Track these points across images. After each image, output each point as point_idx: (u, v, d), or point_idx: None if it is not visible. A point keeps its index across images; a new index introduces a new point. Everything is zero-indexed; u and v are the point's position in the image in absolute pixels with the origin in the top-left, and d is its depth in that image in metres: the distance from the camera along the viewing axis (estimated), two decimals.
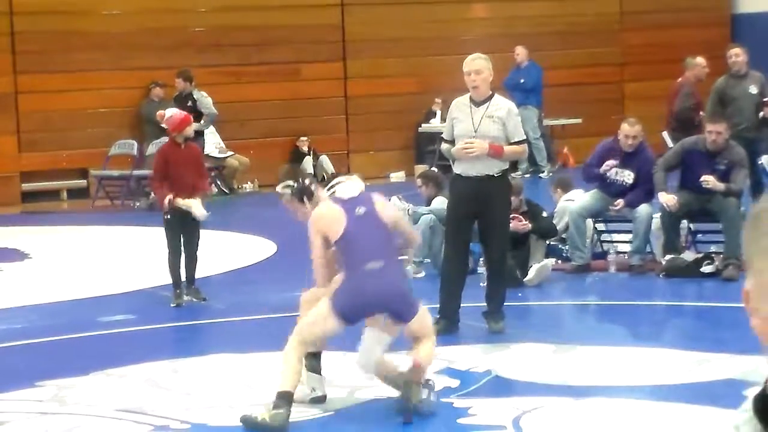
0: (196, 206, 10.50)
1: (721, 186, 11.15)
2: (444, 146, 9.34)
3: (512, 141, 9.04)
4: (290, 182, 7.42)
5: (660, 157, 11.90)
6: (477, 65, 9.08)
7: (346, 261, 7.08)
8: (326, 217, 7.10)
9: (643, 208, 11.46)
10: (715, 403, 7.03)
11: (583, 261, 11.55)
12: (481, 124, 8.98)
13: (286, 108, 21.19)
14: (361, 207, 7.12)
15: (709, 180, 11.15)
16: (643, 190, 11.56)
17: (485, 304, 9.32)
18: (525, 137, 9.28)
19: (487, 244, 9.22)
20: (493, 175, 8.89)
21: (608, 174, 11.62)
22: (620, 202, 11.49)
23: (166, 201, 10.42)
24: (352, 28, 21.71)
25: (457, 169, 9.12)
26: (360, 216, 7.09)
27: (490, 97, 9.12)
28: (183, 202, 10.45)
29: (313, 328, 7.11)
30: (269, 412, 6.89)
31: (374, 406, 7.32)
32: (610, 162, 11.56)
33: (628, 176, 11.61)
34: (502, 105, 9.13)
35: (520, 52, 20.68)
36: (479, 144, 8.85)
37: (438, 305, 9.24)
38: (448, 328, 9.13)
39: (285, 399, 6.94)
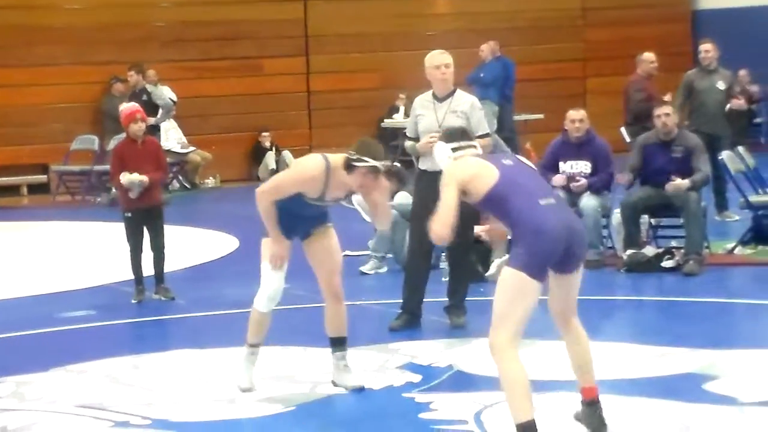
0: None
1: (686, 183, 11.21)
2: (408, 143, 9.37)
3: (477, 135, 9.07)
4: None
5: (615, 151, 11.97)
6: (447, 59, 9.25)
7: (514, 203, 6.05)
8: (470, 165, 6.23)
9: (587, 201, 11.48)
10: (674, 397, 7.07)
11: None
12: (445, 119, 9.04)
13: (249, 103, 21.16)
14: (506, 159, 6.47)
15: (671, 186, 11.20)
16: (604, 176, 11.59)
17: (447, 298, 9.35)
18: (489, 131, 9.35)
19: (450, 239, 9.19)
20: None
21: (564, 169, 11.66)
22: (580, 182, 11.50)
23: (122, 177, 10.33)
24: (315, 23, 21.70)
25: (423, 165, 9.18)
26: (509, 164, 6.29)
27: (453, 93, 9.20)
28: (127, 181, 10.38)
29: (516, 310, 5.98)
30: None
31: (335, 401, 7.32)
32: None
33: (585, 166, 11.66)
34: (465, 99, 9.20)
35: (484, 49, 20.73)
36: None
37: (401, 300, 9.27)
38: (411, 322, 9.20)
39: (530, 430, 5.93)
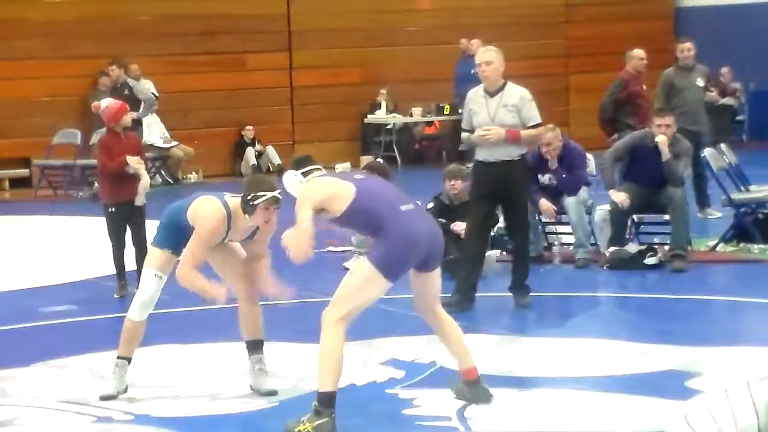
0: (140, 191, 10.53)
1: (668, 155, 11.20)
2: (464, 135, 9.75)
3: (528, 125, 9.50)
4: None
5: (596, 148, 11.95)
6: (487, 57, 9.52)
7: (376, 212, 6.37)
8: (323, 186, 6.53)
9: (569, 201, 11.49)
10: (657, 394, 7.09)
11: (535, 253, 11.63)
12: (496, 114, 9.42)
13: (231, 98, 21.12)
14: (357, 174, 6.86)
15: (661, 140, 11.21)
16: (575, 176, 11.60)
17: (511, 279, 9.80)
18: (540, 120, 9.64)
19: (511, 224, 9.85)
20: (512, 160, 9.44)
21: (542, 180, 11.67)
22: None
23: (128, 159, 10.34)
24: (298, 18, 21.67)
25: (479, 155, 9.61)
26: (361, 178, 6.67)
27: (503, 86, 9.52)
28: (137, 166, 10.40)
29: (358, 297, 6.39)
30: (311, 423, 6.36)
31: None
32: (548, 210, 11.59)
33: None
34: (515, 92, 9.53)
35: (474, 44, 20.75)
36: (496, 131, 9.35)
37: (455, 282, 9.62)
38: (463, 304, 9.49)
39: (328, 403, 6.39)
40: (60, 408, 7.21)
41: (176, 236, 7.16)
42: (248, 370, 7.41)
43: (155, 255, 7.27)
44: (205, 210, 7.04)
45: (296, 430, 6.39)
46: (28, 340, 9.27)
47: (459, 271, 9.75)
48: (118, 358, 7.39)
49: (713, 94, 14.41)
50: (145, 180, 10.64)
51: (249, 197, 6.89)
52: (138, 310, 7.34)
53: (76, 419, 6.99)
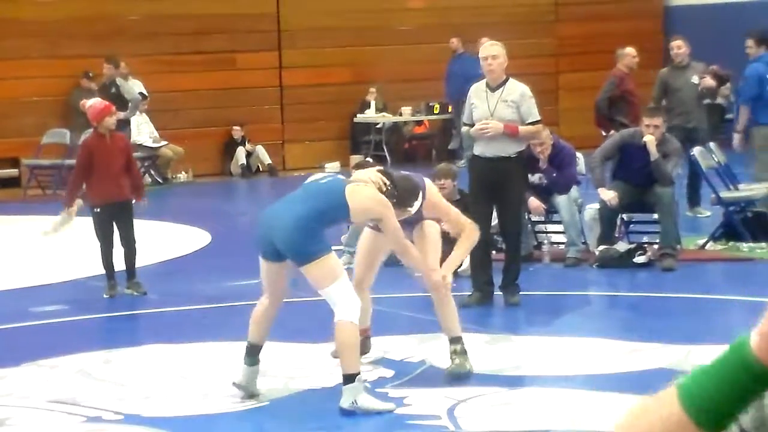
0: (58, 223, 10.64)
1: (656, 154, 11.16)
2: (464, 129, 9.86)
3: (527, 122, 9.55)
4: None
5: (587, 147, 11.94)
6: (493, 51, 9.61)
7: None
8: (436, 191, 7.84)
9: (561, 200, 11.51)
10: (646, 392, 7.06)
11: (525, 251, 11.62)
12: (496, 109, 9.48)
13: (221, 97, 21.09)
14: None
15: (649, 140, 11.17)
16: (566, 175, 11.62)
17: (502, 278, 9.80)
18: (539, 118, 9.71)
19: (503, 221, 9.86)
20: (508, 156, 9.45)
21: (532, 179, 11.67)
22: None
23: (74, 206, 10.42)
24: (288, 17, 21.66)
25: (476, 150, 9.64)
26: None
27: (505, 82, 9.58)
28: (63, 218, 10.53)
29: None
30: (467, 360, 7.50)
31: (309, 396, 7.31)
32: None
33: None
34: (516, 88, 9.61)
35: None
36: (494, 124, 9.38)
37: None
38: (481, 299, 9.66)
39: (463, 341, 7.55)
40: (50, 408, 7.20)
41: (324, 232, 6.98)
42: (249, 372, 7.20)
43: (332, 263, 6.87)
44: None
45: (462, 371, 7.41)
46: (18, 340, 9.25)
47: (470, 269, 9.88)
48: (355, 374, 6.88)
49: (707, 79, 14.36)
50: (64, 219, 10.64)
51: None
52: (359, 315, 6.95)
53: (65, 419, 6.98)
